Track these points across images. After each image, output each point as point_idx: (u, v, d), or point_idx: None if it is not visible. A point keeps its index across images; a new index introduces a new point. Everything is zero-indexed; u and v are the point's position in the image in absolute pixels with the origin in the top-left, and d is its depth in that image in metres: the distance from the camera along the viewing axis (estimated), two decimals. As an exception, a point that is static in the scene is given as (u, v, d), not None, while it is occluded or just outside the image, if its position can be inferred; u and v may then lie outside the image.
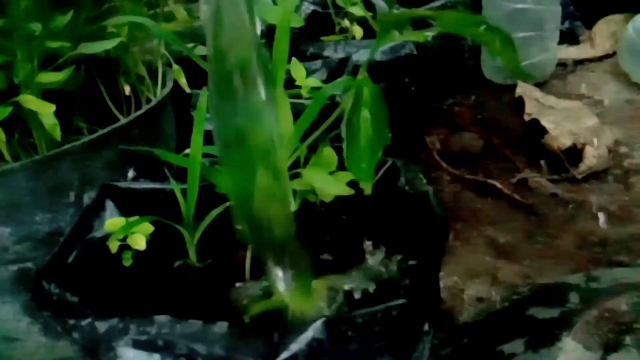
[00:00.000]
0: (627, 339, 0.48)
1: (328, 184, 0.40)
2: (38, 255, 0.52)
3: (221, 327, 0.33)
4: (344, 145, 0.34)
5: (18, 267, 0.52)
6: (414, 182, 0.49)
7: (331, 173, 0.48)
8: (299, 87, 0.71)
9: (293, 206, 0.48)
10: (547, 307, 0.55)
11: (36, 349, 0.54)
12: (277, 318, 0.37)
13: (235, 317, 0.37)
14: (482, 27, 0.29)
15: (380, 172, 0.50)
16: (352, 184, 0.48)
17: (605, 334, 0.48)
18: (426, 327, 0.40)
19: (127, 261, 0.44)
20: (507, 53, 0.31)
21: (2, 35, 0.53)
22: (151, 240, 0.44)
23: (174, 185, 0.45)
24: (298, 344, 0.32)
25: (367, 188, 0.37)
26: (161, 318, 0.34)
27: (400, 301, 0.35)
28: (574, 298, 0.55)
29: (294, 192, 0.45)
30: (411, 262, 0.41)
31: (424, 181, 0.49)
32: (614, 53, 1.27)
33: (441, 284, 0.68)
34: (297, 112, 0.44)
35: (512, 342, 0.51)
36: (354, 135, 0.33)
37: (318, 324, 0.32)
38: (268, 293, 0.39)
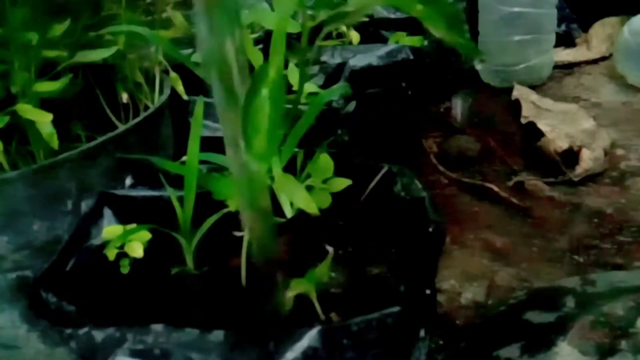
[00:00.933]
0: (623, 344, 0.48)
1: (296, 197, 0.39)
2: (36, 263, 0.52)
3: (217, 335, 0.33)
4: (241, 125, 0.31)
5: (16, 275, 0.52)
6: (410, 188, 0.49)
7: (327, 180, 0.48)
8: (296, 92, 0.71)
9: (289, 212, 0.48)
10: (543, 311, 0.55)
11: (34, 357, 0.54)
12: (273, 326, 0.38)
13: (231, 325, 0.38)
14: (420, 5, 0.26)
15: (376, 179, 0.50)
16: (346, 194, 0.48)
17: (601, 339, 0.49)
18: (422, 333, 0.40)
19: (125, 269, 0.45)
20: (454, 31, 0.27)
21: (-1, 44, 0.53)
22: (148, 247, 0.45)
23: (171, 193, 0.46)
24: (294, 353, 0.32)
25: (263, 169, 0.35)
26: (158, 327, 0.34)
27: (396, 308, 0.35)
28: (570, 302, 0.55)
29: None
30: (407, 269, 0.42)
31: (420, 187, 0.49)
32: (610, 55, 1.27)
33: (438, 287, 0.68)
34: (294, 117, 0.45)
35: (508, 346, 0.51)
36: (254, 113, 0.30)
37: (314, 332, 0.33)
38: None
